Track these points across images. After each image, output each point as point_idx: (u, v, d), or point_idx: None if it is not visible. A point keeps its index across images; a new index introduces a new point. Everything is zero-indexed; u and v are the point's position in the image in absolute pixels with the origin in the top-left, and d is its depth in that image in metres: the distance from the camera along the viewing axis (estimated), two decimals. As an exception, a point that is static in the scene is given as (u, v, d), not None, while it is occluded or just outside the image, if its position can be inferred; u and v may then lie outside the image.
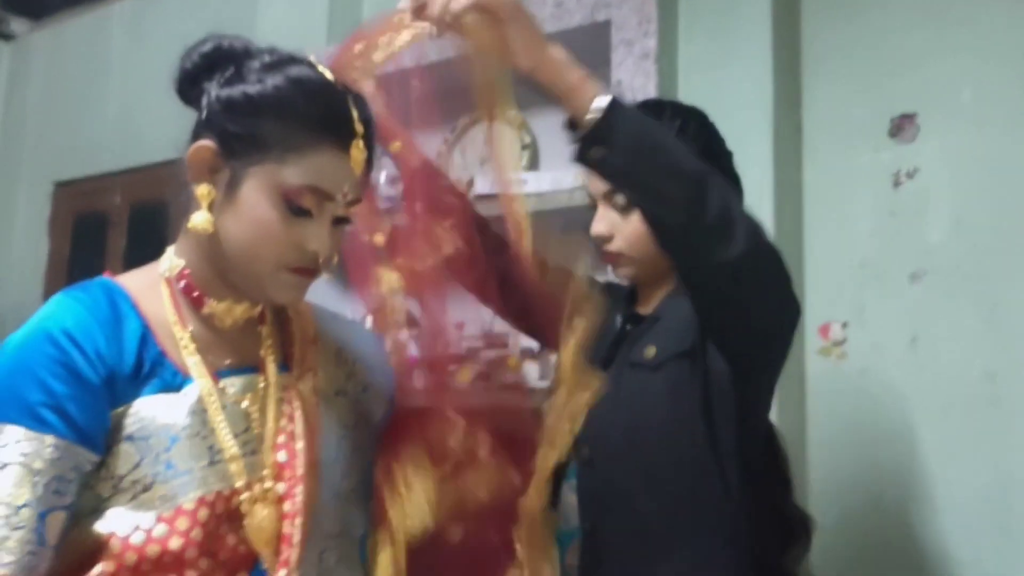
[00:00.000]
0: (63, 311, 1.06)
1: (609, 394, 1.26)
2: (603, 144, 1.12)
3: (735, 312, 1.19)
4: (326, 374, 1.20)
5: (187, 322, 1.12)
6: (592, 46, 2.17)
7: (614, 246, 1.45)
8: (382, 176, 2.60)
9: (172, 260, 1.14)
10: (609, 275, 1.58)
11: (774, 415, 1.86)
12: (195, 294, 1.13)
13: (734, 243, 1.11)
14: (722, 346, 1.28)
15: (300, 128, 1.05)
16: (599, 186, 1.45)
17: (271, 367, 1.15)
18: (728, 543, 1.32)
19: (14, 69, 3.96)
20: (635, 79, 2.09)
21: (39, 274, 3.83)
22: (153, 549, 1.01)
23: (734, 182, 1.49)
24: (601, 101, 1.11)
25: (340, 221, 1.11)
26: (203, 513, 1.03)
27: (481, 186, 2.36)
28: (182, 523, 1.02)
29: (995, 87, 1.86)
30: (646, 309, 1.50)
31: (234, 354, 1.14)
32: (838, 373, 1.94)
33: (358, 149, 1.08)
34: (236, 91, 1.07)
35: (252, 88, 1.07)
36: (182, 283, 1.13)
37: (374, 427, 1.22)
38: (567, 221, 2.18)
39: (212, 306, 1.12)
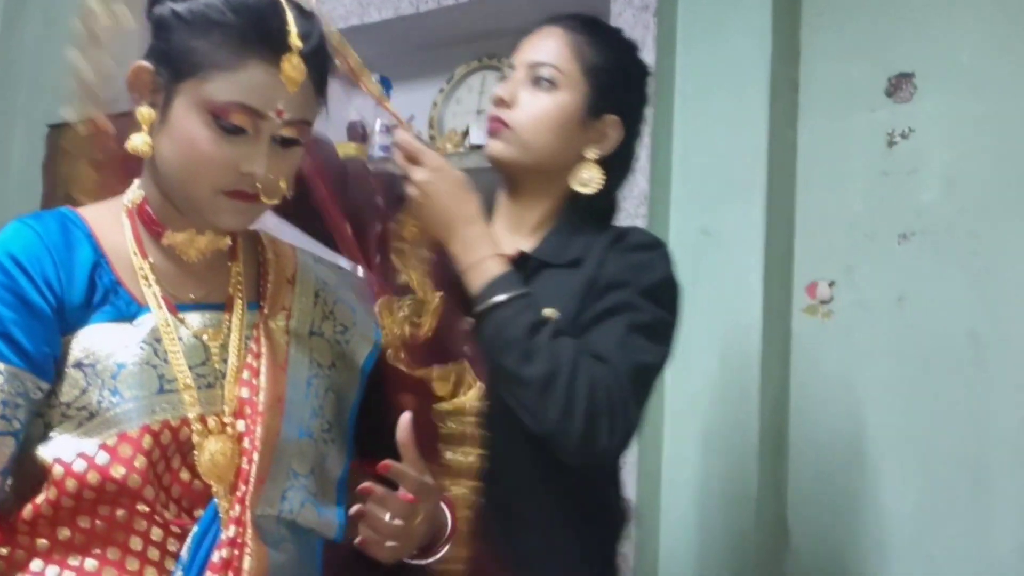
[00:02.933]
0: (12, 237, 1.06)
1: None
2: (481, 322, 1.27)
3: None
4: (301, 313, 1.18)
5: (148, 253, 1.11)
6: (590, -3, 2.16)
7: (509, 115, 1.39)
8: (377, 124, 2.60)
9: (134, 192, 1.14)
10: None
11: (757, 372, 1.88)
12: (154, 225, 1.11)
13: (571, 429, 1.24)
14: None
15: (227, 43, 1.03)
16: (528, 55, 1.42)
17: (238, 304, 1.14)
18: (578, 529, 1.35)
19: (9, 12, 3.92)
20: (634, 31, 2.07)
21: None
22: (94, 477, 1.00)
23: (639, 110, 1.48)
24: (482, 301, 1.28)
25: (286, 143, 1.08)
26: (147, 441, 1.01)
27: (476, 136, 2.36)
28: (125, 450, 1.01)
29: (995, 49, 1.85)
30: (526, 237, 1.42)
31: (200, 288, 1.13)
32: (823, 332, 1.95)
33: (291, 64, 1.03)
34: (166, 8, 1.07)
35: (180, 5, 1.06)
36: (141, 213, 1.12)
37: (357, 368, 1.21)
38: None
39: (170, 236, 1.11)
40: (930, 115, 1.90)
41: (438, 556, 1.16)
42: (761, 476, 1.86)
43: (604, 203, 1.46)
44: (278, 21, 1.05)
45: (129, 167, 1.14)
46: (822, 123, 2.01)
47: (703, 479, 1.89)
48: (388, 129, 2.58)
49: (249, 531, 1.04)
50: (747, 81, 1.98)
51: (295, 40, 1.04)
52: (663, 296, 1.37)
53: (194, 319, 1.11)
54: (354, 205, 1.30)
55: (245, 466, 1.06)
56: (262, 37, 1.04)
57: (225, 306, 1.14)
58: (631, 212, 2.01)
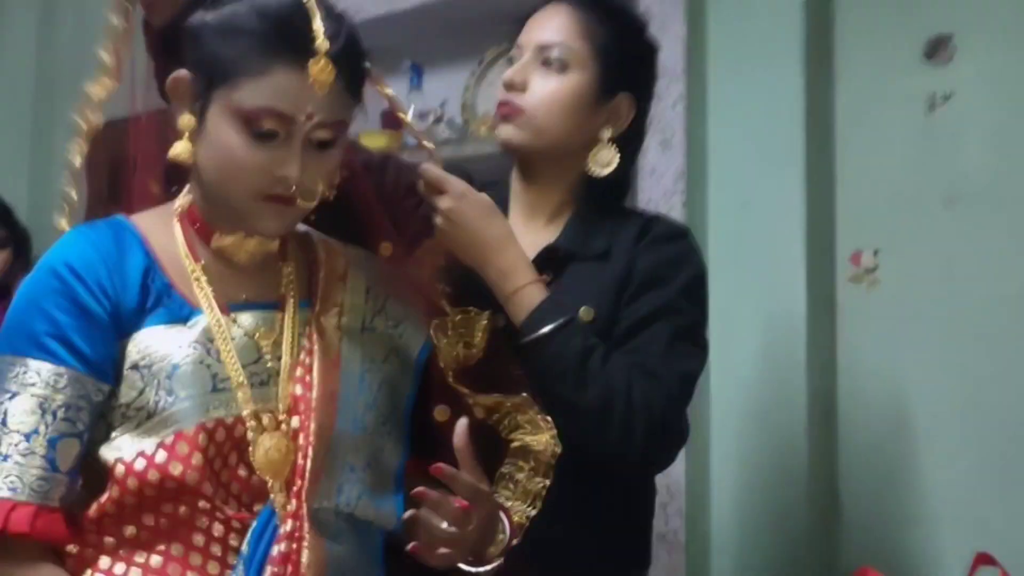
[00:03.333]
0: (67, 246, 1.10)
1: None
2: (529, 352, 1.26)
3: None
4: (353, 309, 1.19)
5: (200, 256, 1.14)
6: (619, -27, 2.14)
7: (521, 99, 1.37)
8: (410, 111, 2.60)
9: (184, 197, 1.17)
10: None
11: (803, 344, 1.86)
12: (203, 229, 1.14)
13: (632, 450, 1.26)
14: None
15: (254, 49, 1.04)
16: (536, 36, 1.39)
17: (291, 303, 1.16)
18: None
19: (45, 12, 3.96)
20: (664, 5, 2.05)
21: (79, 219, 3.87)
22: (154, 475, 1.03)
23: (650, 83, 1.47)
24: (529, 332, 1.26)
25: (322, 145, 1.09)
26: (203, 438, 1.04)
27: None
28: (182, 448, 1.04)
29: (1035, 4, 1.81)
30: (540, 234, 1.40)
31: (252, 288, 1.15)
32: (870, 301, 1.92)
33: (318, 67, 1.04)
34: (197, 19, 1.08)
35: (210, 15, 1.08)
36: (191, 218, 1.15)
37: (411, 361, 1.22)
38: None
39: (219, 240, 1.13)
40: (970, 77, 1.86)
41: (493, 566, 1.15)
42: (810, 449, 1.85)
43: (619, 182, 1.44)
44: (304, 24, 1.05)
45: (170, 172, 1.17)
46: (860, 89, 1.98)
47: (752, 454, 1.89)
48: (421, 116, 2.58)
49: (306, 525, 1.06)
50: (781, 50, 1.95)
51: (322, 42, 1.04)
52: (698, 293, 1.38)
53: (246, 319, 1.13)
54: (392, 206, 1.30)
55: (300, 461, 1.08)
56: (288, 41, 1.05)
57: (278, 305, 1.16)
58: (669, 188, 2.00)
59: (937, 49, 1.91)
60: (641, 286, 1.33)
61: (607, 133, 1.40)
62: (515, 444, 1.23)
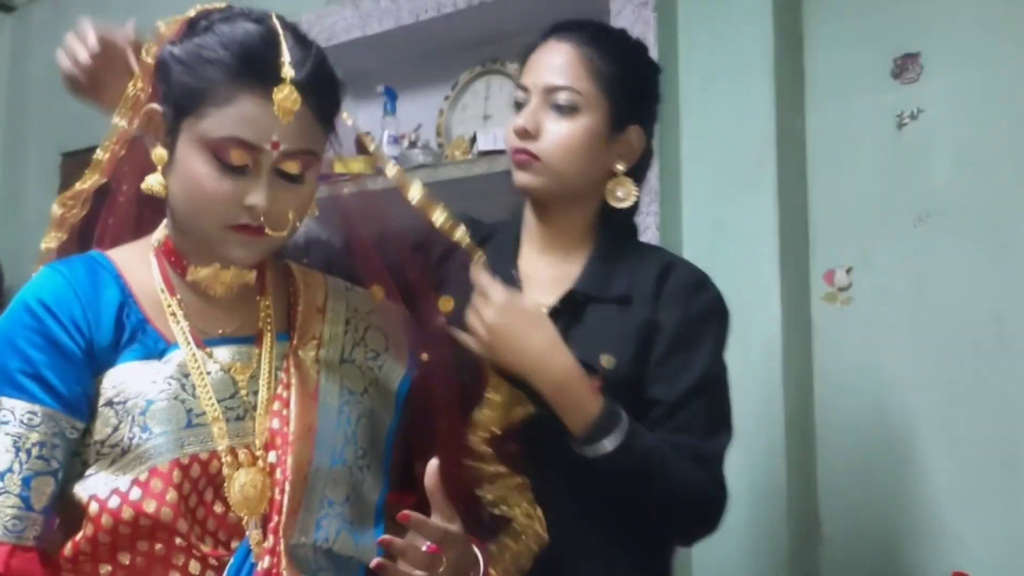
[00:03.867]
0: (41, 283, 1.09)
1: None
2: (591, 462, 1.27)
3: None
4: (332, 341, 1.18)
5: (176, 290, 1.13)
6: (590, -5, 2.15)
7: (536, 147, 1.36)
8: (384, 136, 2.60)
9: (161, 231, 1.16)
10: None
11: (779, 363, 1.86)
12: (178, 262, 1.13)
13: (695, 536, 1.41)
14: None
15: (219, 78, 1.04)
16: (542, 79, 1.38)
17: (267, 336, 1.15)
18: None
19: (16, 41, 3.94)
20: (635, 27, 2.06)
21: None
22: (128, 512, 1.02)
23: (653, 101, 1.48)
24: (591, 446, 1.26)
25: (292, 175, 1.08)
26: (177, 475, 1.03)
27: (483, 143, 2.35)
28: (156, 485, 1.03)
29: (1000, 23, 1.83)
30: (556, 269, 1.41)
31: (229, 323, 1.14)
32: (844, 319, 1.93)
33: (283, 95, 1.03)
34: (166, 51, 1.09)
35: (176, 48, 1.08)
36: (167, 252, 1.14)
37: (391, 393, 1.21)
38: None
39: (194, 272, 1.12)
40: (938, 94, 1.88)
41: None
42: (789, 468, 1.86)
43: (631, 210, 1.45)
44: (270, 53, 1.05)
45: (144, 208, 1.17)
46: (830, 108, 1.99)
47: (731, 474, 1.87)
48: (396, 140, 2.58)
49: (283, 561, 1.05)
50: (751, 70, 1.97)
51: (287, 70, 1.04)
52: (725, 343, 1.41)
53: (223, 353, 1.12)
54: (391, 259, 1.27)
55: (277, 496, 1.07)
56: (253, 70, 1.04)
57: (254, 339, 1.15)
58: (643, 209, 1.99)
59: (905, 68, 1.92)
60: (673, 345, 1.35)
61: (621, 166, 1.40)
62: (502, 516, 1.25)
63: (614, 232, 1.43)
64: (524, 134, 1.36)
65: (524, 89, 1.40)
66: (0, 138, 3.78)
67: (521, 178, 1.38)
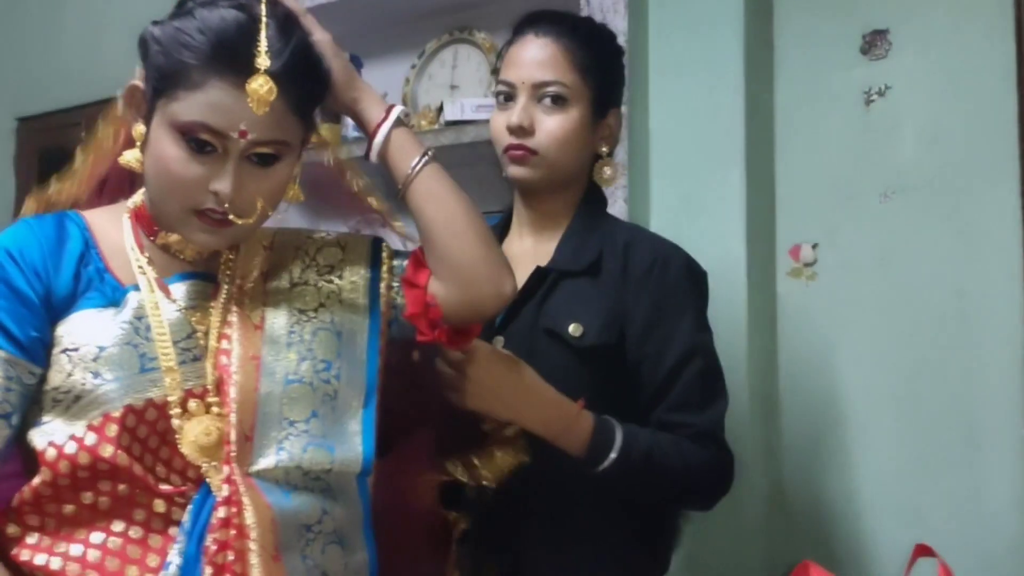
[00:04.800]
0: (8, 233, 1.12)
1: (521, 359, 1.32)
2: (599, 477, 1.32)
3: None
4: (277, 269, 1.21)
5: (144, 249, 1.15)
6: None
7: (532, 142, 1.43)
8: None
9: (138, 195, 1.19)
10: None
11: (744, 338, 1.87)
12: (149, 227, 1.16)
13: (709, 505, 1.45)
14: None
15: (191, 63, 1.06)
16: (528, 75, 1.43)
17: (223, 288, 1.17)
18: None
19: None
20: (604, 1, 2.05)
21: (7, 212, 3.77)
22: (85, 457, 1.04)
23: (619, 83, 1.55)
24: (596, 465, 1.31)
25: (264, 162, 1.09)
26: (131, 420, 1.06)
27: (450, 112, 2.33)
28: (111, 429, 1.05)
29: (969, 2, 1.83)
30: (538, 248, 1.47)
31: (194, 268, 1.17)
32: (809, 294, 1.94)
33: (256, 84, 1.04)
34: (148, 31, 1.10)
35: (158, 28, 1.10)
36: (140, 216, 1.17)
37: (359, 298, 1.21)
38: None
39: (165, 237, 1.15)
40: (906, 71, 1.88)
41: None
42: (753, 442, 1.87)
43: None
44: (247, 41, 1.05)
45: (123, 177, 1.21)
46: (798, 83, 1.99)
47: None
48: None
49: (241, 487, 1.06)
50: (721, 44, 1.96)
51: (263, 60, 1.05)
52: (705, 304, 1.47)
53: (180, 289, 1.14)
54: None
55: (226, 428, 1.08)
56: (226, 57, 1.05)
57: (214, 278, 1.17)
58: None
59: (873, 44, 1.92)
60: (648, 328, 1.39)
61: (606, 149, 1.50)
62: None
63: (588, 207, 1.49)
64: (520, 131, 1.42)
65: (508, 84, 1.46)
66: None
67: (518, 172, 1.44)
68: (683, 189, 1.98)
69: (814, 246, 1.95)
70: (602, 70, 1.47)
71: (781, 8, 2.02)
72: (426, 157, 1.20)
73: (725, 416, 1.44)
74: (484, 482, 1.29)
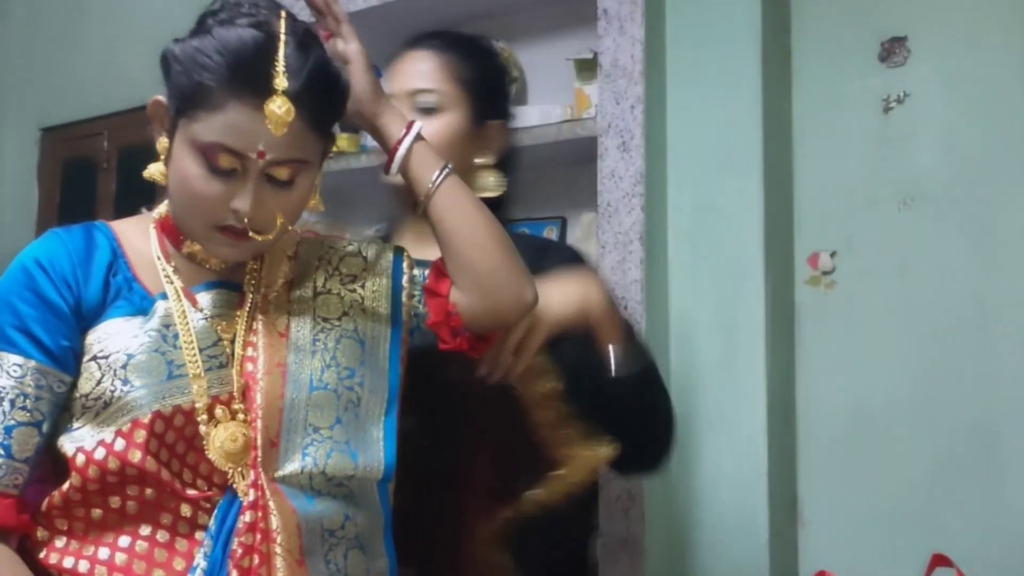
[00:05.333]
0: (39, 244, 1.15)
1: None
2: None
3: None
4: (302, 279, 1.22)
5: (171, 258, 1.18)
6: (576, -26, 2.14)
7: None
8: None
9: (163, 206, 1.21)
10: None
11: (762, 347, 1.87)
12: (175, 237, 1.18)
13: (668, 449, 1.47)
14: None
15: (212, 83, 1.07)
16: (404, 84, 1.47)
17: (248, 297, 1.19)
18: None
19: (-6, 14, 3.90)
20: (622, 5, 2.05)
21: (31, 222, 3.81)
22: (113, 462, 1.06)
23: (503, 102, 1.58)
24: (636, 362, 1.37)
25: (282, 180, 1.11)
26: (159, 425, 1.07)
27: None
28: (139, 435, 1.07)
29: (988, 8, 1.82)
30: (426, 253, 1.46)
31: (220, 277, 1.19)
32: (827, 302, 1.93)
33: (275, 106, 1.05)
34: (170, 48, 1.12)
35: (179, 46, 1.11)
36: (165, 226, 1.19)
37: (381, 307, 1.23)
38: (555, 155, 2.16)
39: (190, 246, 1.17)
40: (925, 79, 1.87)
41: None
42: (770, 451, 1.85)
43: (502, 202, 1.52)
44: (265, 61, 1.07)
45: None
46: (816, 91, 1.99)
47: (713, 457, 1.89)
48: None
49: (267, 492, 1.08)
50: (738, 52, 1.95)
51: (280, 81, 1.06)
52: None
53: (207, 298, 1.16)
54: None
55: (253, 434, 1.10)
56: (245, 78, 1.06)
57: (240, 287, 1.19)
58: (628, 191, 1.99)
59: (892, 51, 1.92)
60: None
61: (482, 159, 1.51)
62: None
63: None
64: None
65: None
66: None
67: (393, 179, 1.42)
68: (700, 198, 1.98)
69: (832, 254, 1.94)
70: (481, 82, 1.51)
71: (799, 16, 2.02)
72: (447, 170, 1.23)
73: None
74: (572, 488, 1.33)
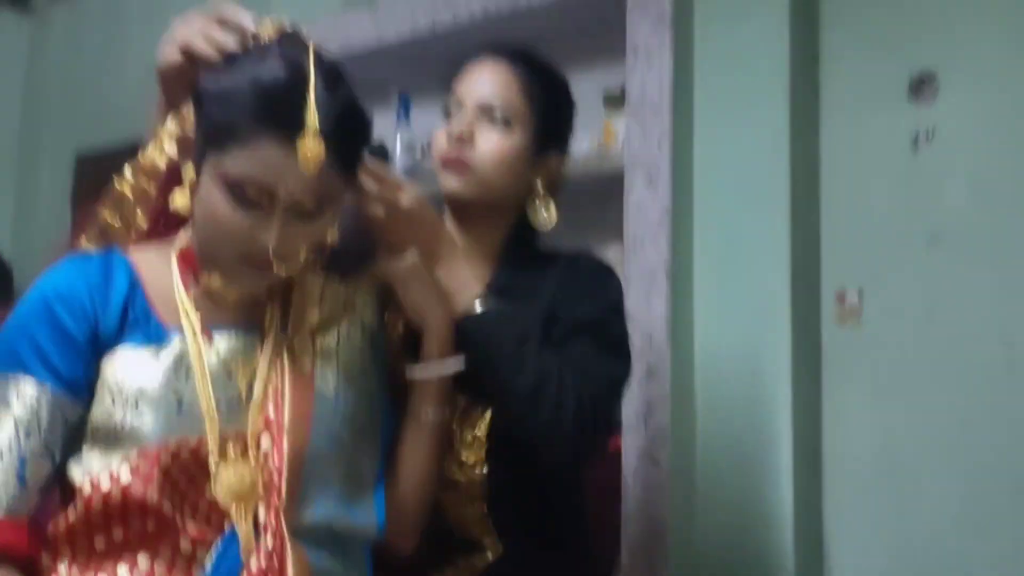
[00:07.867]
0: (56, 273, 1.17)
1: None
2: (469, 333, 1.31)
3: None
4: (328, 326, 1.24)
5: (190, 291, 1.18)
6: (604, 4, 2.14)
7: (470, 154, 1.41)
8: (397, 142, 2.60)
9: (184, 237, 1.22)
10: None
11: (788, 386, 1.85)
12: (195, 268, 1.19)
13: (560, 433, 1.30)
14: None
15: (243, 119, 1.08)
16: (478, 92, 1.43)
17: (270, 337, 1.19)
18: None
19: (34, 42, 3.96)
20: (651, 40, 2.06)
21: (65, 246, 3.85)
22: (116, 492, 1.07)
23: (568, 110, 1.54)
24: (471, 316, 1.32)
25: (307, 215, 1.12)
26: (165, 458, 1.08)
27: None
28: (144, 467, 1.08)
29: (1018, 44, 1.81)
30: (476, 267, 1.43)
31: (238, 319, 1.19)
32: (854, 341, 1.91)
33: (305, 145, 1.06)
34: (203, 81, 1.14)
35: (212, 82, 1.12)
36: (186, 258, 1.21)
37: (382, 367, 1.27)
38: (582, 188, 2.16)
39: (209, 280, 1.17)
40: (954, 115, 1.86)
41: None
42: (796, 493, 1.83)
43: (538, 236, 1.51)
44: (297, 99, 1.08)
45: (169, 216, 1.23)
46: (844, 127, 1.97)
47: (737, 498, 1.87)
48: (409, 149, 2.57)
49: (287, 541, 1.09)
50: (766, 87, 1.95)
51: (312, 120, 1.07)
52: (623, 312, 1.45)
53: (224, 342, 1.16)
54: None
55: (275, 481, 1.11)
56: (277, 115, 1.07)
57: (258, 330, 1.20)
58: (654, 225, 1.99)
59: (921, 87, 1.91)
60: (569, 302, 1.40)
61: (542, 187, 1.47)
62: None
63: (527, 242, 1.49)
64: (460, 141, 1.41)
65: (457, 100, 1.46)
66: (15, 139, 3.79)
67: (450, 183, 1.43)
68: (726, 234, 1.97)
69: (860, 292, 1.92)
70: (551, 108, 1.48)
71: (827, 50, 2.01)
72: (440, 416, 1.29)
73: (619, 390, 1.45)
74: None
